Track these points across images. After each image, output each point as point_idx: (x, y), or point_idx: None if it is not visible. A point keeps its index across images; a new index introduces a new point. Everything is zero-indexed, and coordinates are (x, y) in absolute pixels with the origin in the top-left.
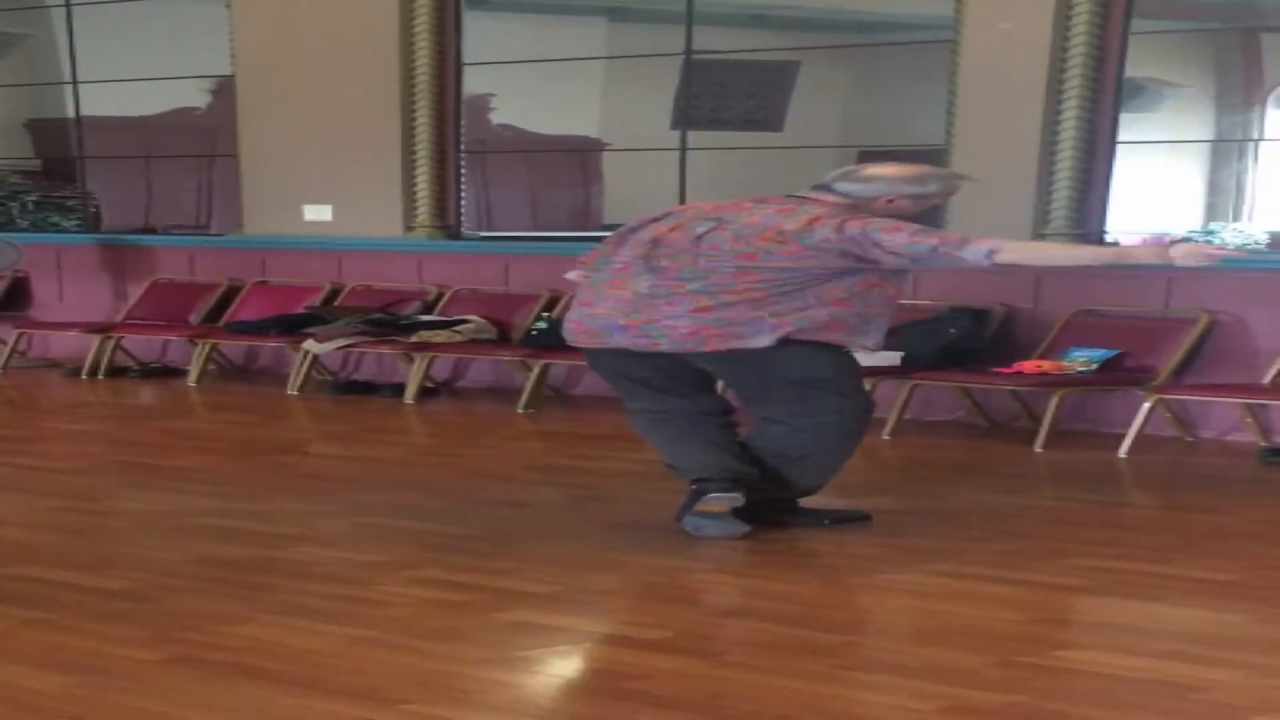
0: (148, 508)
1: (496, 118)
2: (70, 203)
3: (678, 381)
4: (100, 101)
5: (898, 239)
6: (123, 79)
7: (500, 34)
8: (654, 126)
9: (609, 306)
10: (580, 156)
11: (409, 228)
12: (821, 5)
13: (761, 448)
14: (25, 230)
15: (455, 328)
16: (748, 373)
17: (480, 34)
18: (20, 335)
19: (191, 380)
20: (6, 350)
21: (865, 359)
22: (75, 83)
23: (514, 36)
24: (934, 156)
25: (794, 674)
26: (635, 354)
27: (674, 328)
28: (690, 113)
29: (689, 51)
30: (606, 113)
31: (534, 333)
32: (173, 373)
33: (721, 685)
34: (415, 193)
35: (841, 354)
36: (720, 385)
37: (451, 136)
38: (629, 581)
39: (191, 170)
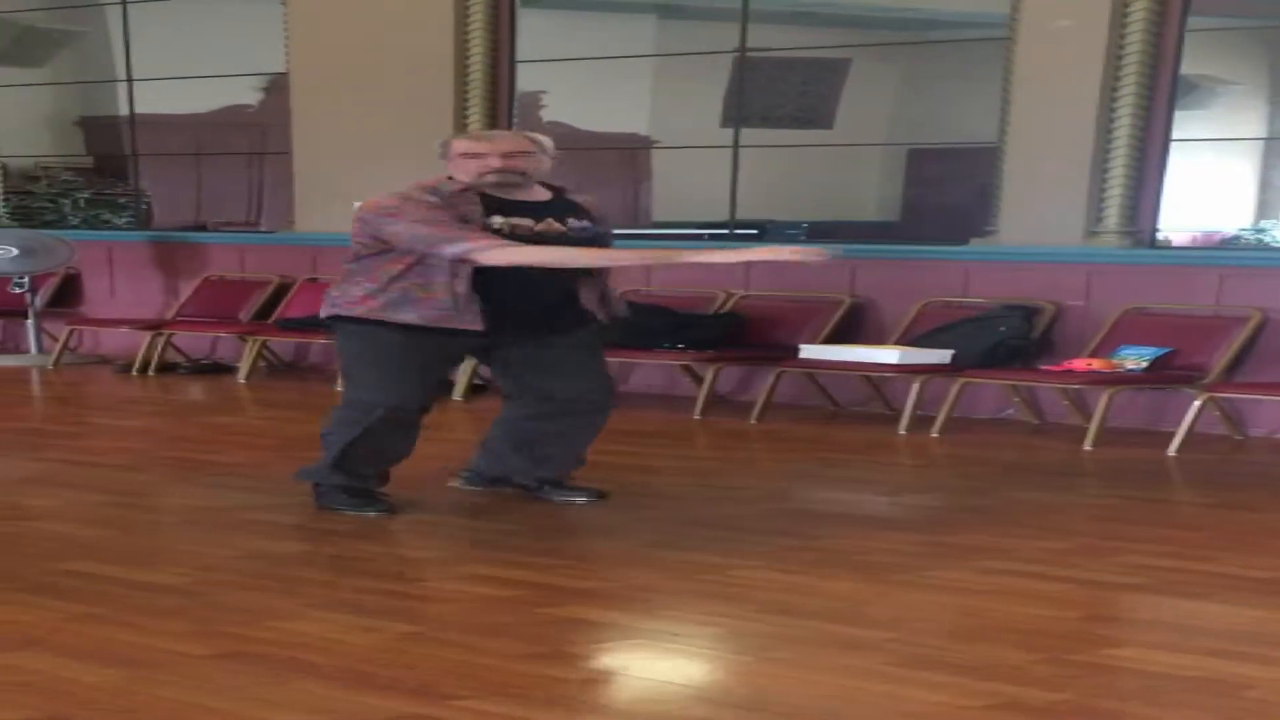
0: (196, 503)
1: (547, 115)
2: (122, 200)
3: None
4: (152, 99)
5: (393, 228)
6: (177, 76)
7: (551, 31)
8: (703, 124)
9: None
10: (629, 153)
11: None
12: (872, 2)
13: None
14: (77, 227)
15: None
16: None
17: (531, 31)
18: (71, 331)
19: (241, 377)
20: (58, 347)
21: (916, 357)
22: (130, 80)
23: (564, 34)
24: (986, 154)
25: (840, 671)
26: None
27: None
28: (742, 110)
29: (743, 49)
30: (656, 110)
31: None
32: (222, 369)
33: (768, 681)
34: None
35: (373, 341)
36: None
37: None
38: (676, 578)
39: (242, 167)
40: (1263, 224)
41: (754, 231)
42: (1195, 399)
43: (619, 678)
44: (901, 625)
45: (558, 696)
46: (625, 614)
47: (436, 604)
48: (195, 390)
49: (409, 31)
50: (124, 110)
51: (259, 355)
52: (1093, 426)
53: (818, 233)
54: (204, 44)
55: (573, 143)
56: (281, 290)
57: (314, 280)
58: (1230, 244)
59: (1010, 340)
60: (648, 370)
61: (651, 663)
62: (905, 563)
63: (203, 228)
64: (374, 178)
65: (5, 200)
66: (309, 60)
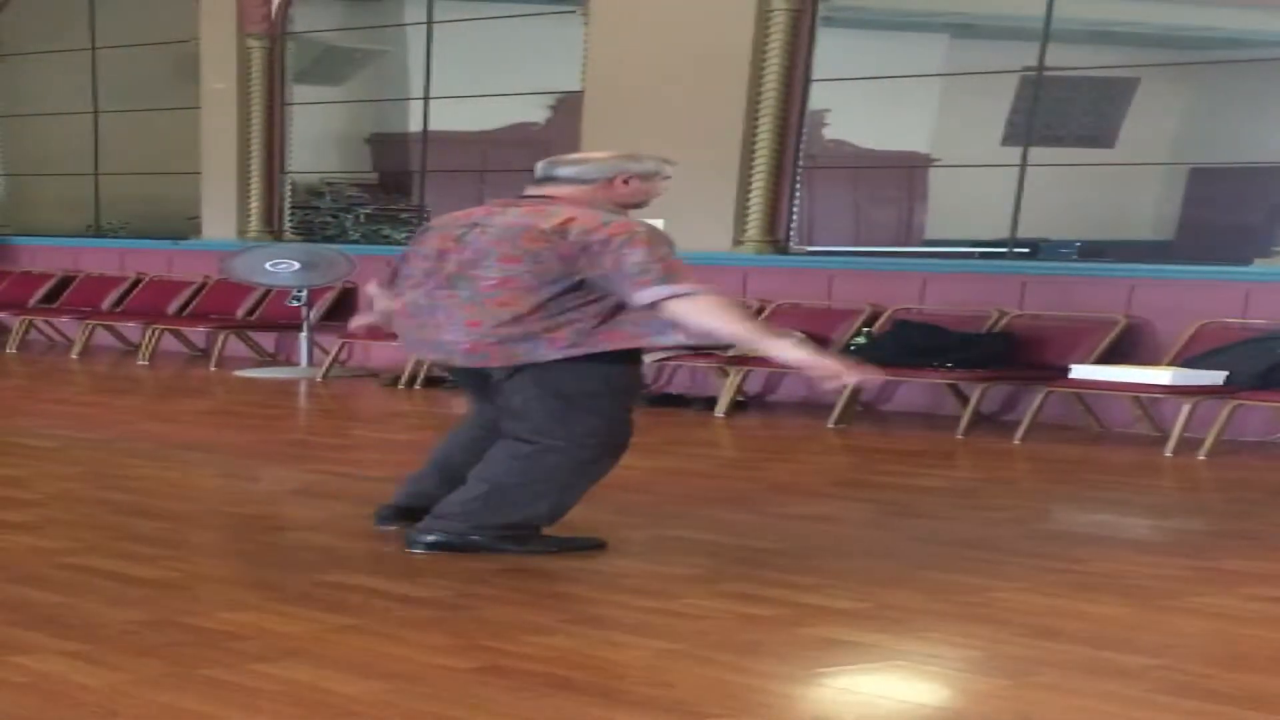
0: None
1: (829, 133)
2: (404, 215)
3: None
4: (440, 116)
5: (630, 259)
6: (474, 95)
7: (841, 49)
8: (983, 142)
9: (415, 322)
10: (906, 171)
11: (737, 241)
12: (1166, 21)
13: (494, 474)
14: (356, 242)
15: None
16: (527, 386)
17: (821, 49)
18: (343, 345)
19: None
20: (329, 359)
21: (1189, 379)
22: (427, 99)
23: (853, 52)
24: (1277, 174)
25: (1104, 697)
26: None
27: (457, 343)
28: (1032, 129)
29: (1041, 68)
30: (939, 129)
31: (852, 347)
32: None
33: (1031, 706)
34: (748, 207)
35: (624, 370)
36: None
37: (790, 152)
38: (937, 599)
39: (524, 184)
40: None
41: (1026, 250)
42: None
43: (876, 700)
44: (1166, 652)
45: (813, 718)
46: (884, 635)
47: (695, 621)
48: (459, 405)
49: (707, 51)
50: (414, 127)
51: None
52: None
53: (1089, 251)
54: (494, 62)
55: (853, 160)
56: None
57: None
58: None
59: None
60: (912, 389)
61: (909, 685)
62: (1171, 588)
63: None
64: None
65: (291, 215)
66: (605, 78)
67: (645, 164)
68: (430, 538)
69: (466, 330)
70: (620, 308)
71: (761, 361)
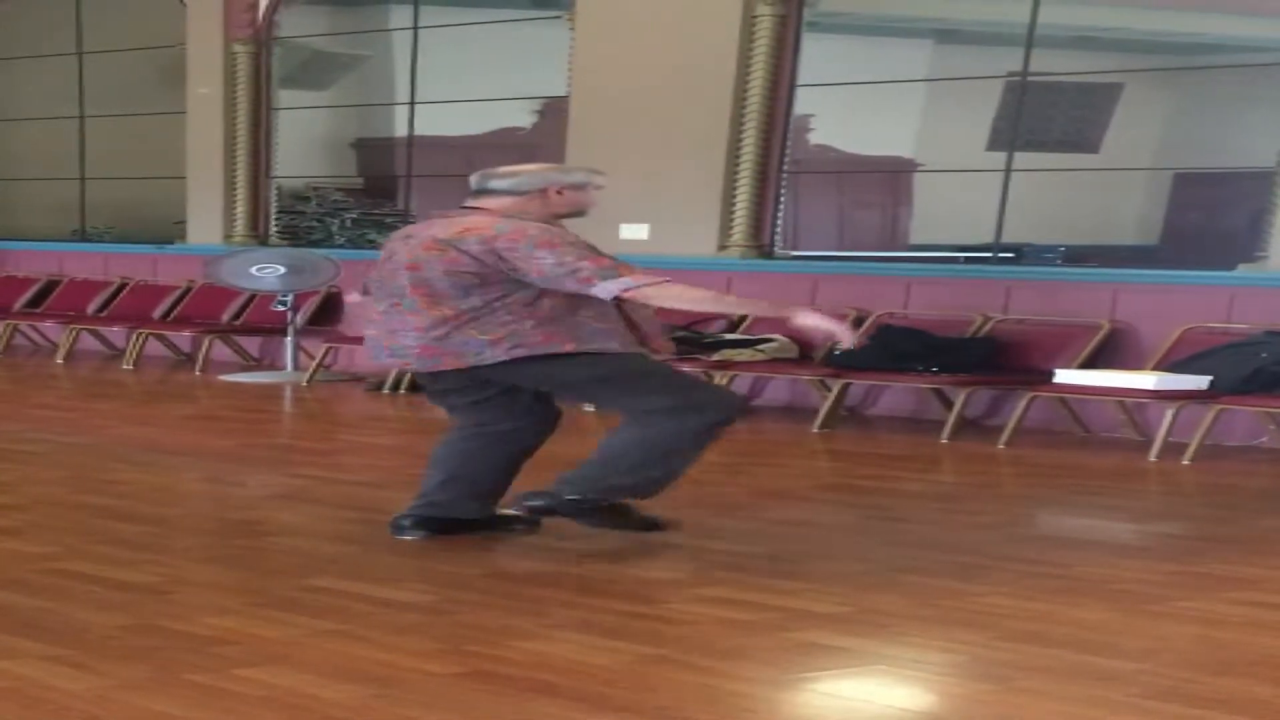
0: None
1: (814, 138)
2: (389, 219)
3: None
4: (426, 120)
5: (546, 261)
6: (460, 100)
7: (824, 55)
8: (968, 147)
9: (376, 329)
10: (890, 176)
11: (722, 246)
12: (1150, 27)
13: (613, 442)
14: (342, 247)
15: (758, 346)
16: (542, 380)
17: (805, 54)
18: (328, 349)
19: None
20: (314, 364)
21: (1173, 383)
22: (412, 103)
23: (838, 57)
24: (1259, 179)
25: (1089, 701)
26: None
27: (410, 348)
28: (1017, 134)
29: (1025, 74)
30: (924, 134)
31: (837, 353)
32: None
33: (1013, 711)
34: (733, 213)
35: (613, 358)
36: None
37: (776, 157)
38: (920, 604)
39: None
40: None
41: (1010, 255)
42: None
43: (859, 704)
44: (1151, 656)
45: None
46: (867, 639)
47: (678, 626)
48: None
49: (693, 55)
50: (400, 132)
51: None
52: None
53: (1074, 256)
54: (480, 67)
55: (838, 166)
56: None
57: None
58: None
59: (1271, 366)
60: (897, 393)
61: (893, 689)
62: (1155, 592)
63: None
64: (644, 199)
65: (276, 219)
66: (591, 83)
67: (574, 175)
68: (538, 502)
69: (415, 335)
70: (556, 311)
71: (750, 366)
